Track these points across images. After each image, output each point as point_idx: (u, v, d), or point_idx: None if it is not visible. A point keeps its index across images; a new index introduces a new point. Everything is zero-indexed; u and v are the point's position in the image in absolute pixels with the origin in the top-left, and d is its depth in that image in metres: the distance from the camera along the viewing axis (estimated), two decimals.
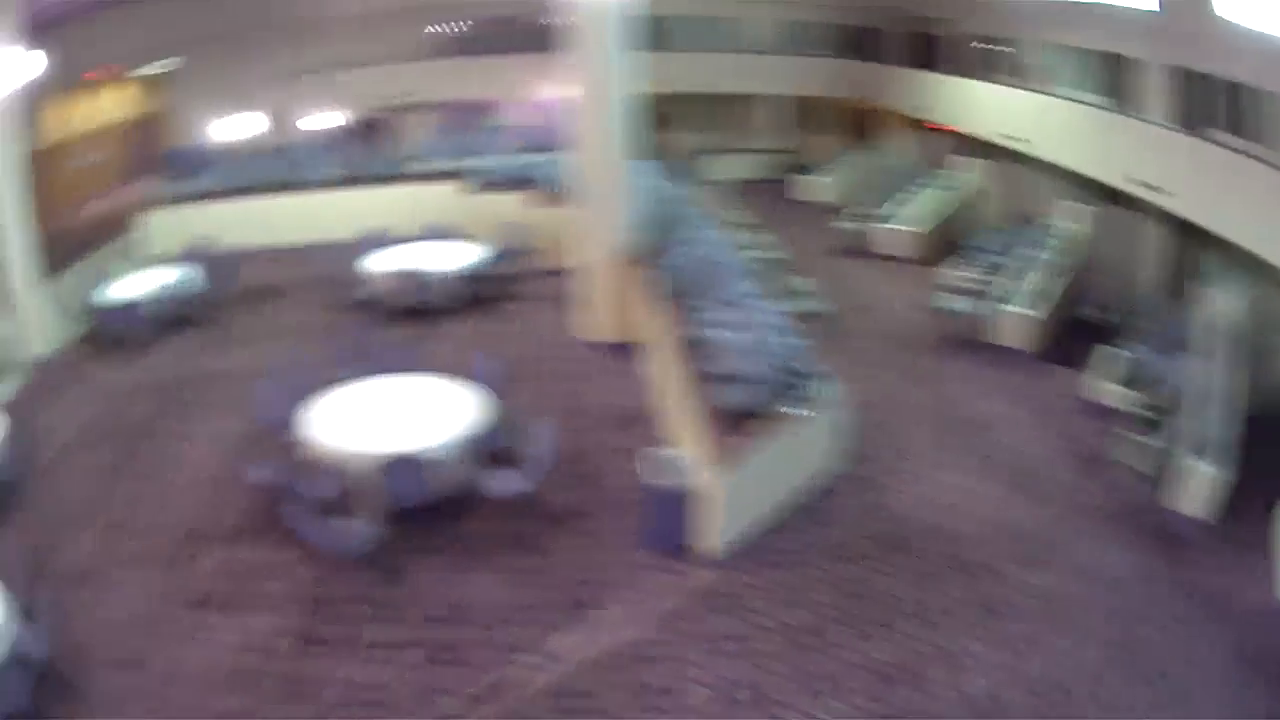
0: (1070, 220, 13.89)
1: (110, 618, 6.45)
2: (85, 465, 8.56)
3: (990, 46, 19.09)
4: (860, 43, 22.23)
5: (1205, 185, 10.40)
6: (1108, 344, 10.17)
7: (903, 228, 15.46)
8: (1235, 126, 10.36)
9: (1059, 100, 15.01)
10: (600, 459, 8.23)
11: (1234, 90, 10.35)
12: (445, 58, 20.79)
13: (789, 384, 7.41)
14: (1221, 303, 10.09)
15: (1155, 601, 6.69)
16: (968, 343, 11.22)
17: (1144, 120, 12.23)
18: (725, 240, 11.37)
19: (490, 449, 7.50)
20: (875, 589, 6.74)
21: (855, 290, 13.66)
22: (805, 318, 9.91)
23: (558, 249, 11.70)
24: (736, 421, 7.01)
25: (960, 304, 11.55)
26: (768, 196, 18.75)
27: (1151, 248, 12.45)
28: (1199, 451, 7.51)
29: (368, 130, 19.62)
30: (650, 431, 8.50)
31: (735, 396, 7.08)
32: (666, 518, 6.87)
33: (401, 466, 6.91)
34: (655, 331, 9.32)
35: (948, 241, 15.16)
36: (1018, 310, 11.28)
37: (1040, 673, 5.96)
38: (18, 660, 5.33)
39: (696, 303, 8.78)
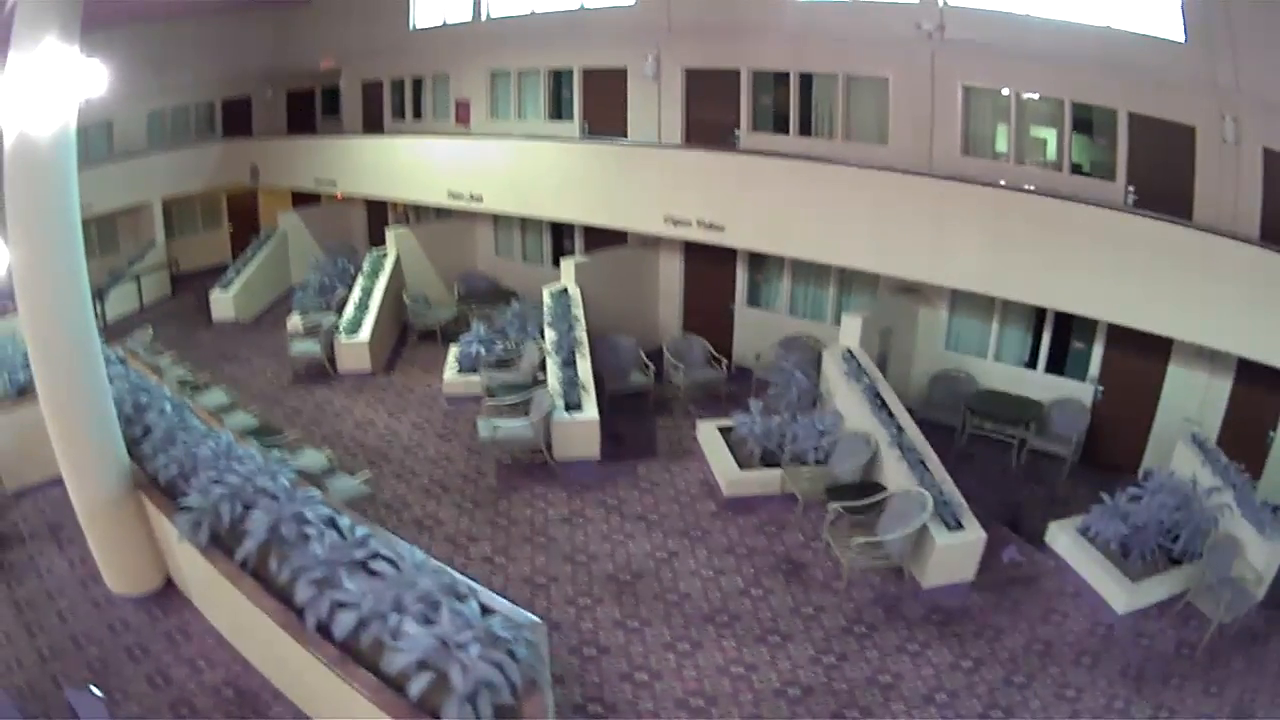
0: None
1: None
2: None
3: (406, 90, 16.05)
4: (231, 118, 18.48)
5: None
6: None
7: (359, 339, 12.62)
8: None
9: (522, 141, 13.06)
10: None
11: None
12: None
13: (503, 664, 4.97)
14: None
15: None
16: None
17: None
18: (228, 439, 7.37)
19: None
20: None
21: (356, 436, 10.70)
22: (353, 505, 7.73)
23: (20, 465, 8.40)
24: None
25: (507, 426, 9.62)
26: (175, 324, 15.15)
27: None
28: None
29: None
30: None
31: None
32: None
33: None
34: (220, 589, 6.22)
35: (399, 332, 13.86)
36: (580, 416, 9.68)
37: None
38: None
39: (285, 563, 5.80)
